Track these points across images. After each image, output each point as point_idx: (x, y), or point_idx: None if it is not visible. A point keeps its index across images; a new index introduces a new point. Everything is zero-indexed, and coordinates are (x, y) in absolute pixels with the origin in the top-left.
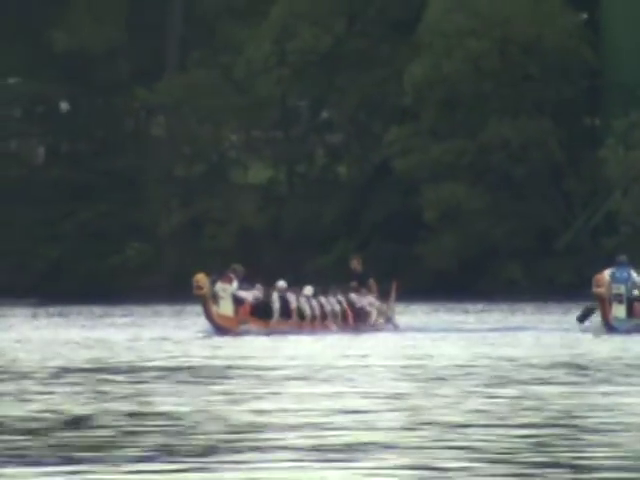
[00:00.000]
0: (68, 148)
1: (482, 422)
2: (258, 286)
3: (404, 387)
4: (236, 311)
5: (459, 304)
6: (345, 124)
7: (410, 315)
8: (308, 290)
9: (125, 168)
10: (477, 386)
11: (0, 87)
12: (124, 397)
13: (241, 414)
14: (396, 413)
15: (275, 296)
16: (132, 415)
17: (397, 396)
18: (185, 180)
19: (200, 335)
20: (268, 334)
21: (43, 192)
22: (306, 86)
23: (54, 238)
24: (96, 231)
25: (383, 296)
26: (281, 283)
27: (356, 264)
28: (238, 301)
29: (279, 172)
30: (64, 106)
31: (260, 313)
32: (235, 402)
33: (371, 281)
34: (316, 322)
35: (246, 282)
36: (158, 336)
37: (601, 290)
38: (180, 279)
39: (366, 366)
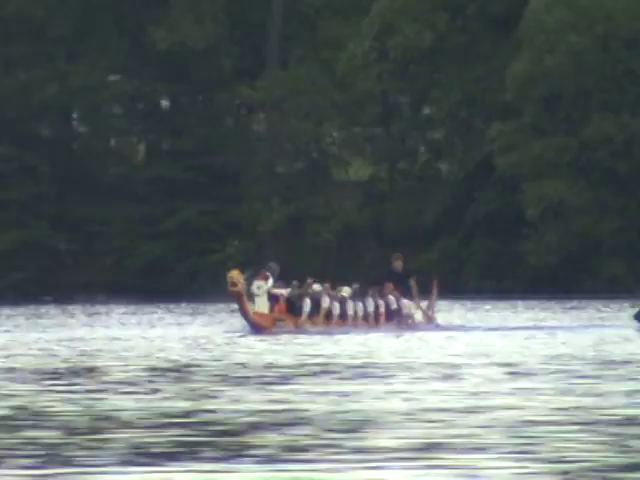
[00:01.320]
0: (169, 145)
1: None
2: (294, 284)
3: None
4: (271, 308)
5: (559, 302)
6: (446, 120)
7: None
8: (345, 291)
9: (226, 165)
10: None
11: (101, 85)
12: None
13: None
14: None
15: (307, 299)
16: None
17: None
18: (286, 177)
19: (237, 334)
20: (299, 332)
21: (143, 190)
22: (407, 82)
23: (155, 236)
24: (197, 229)
25: (424, 295)
26: (316, 286)
27: (398, 264)
28: (274, 298)
29: (380, 169)
30: (165, 103)
31: (293, 310)
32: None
33: (412, 281)
34: (346, 321)
35: (280, 281)
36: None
37: None
38: (281, 277)
39: (464, 364)
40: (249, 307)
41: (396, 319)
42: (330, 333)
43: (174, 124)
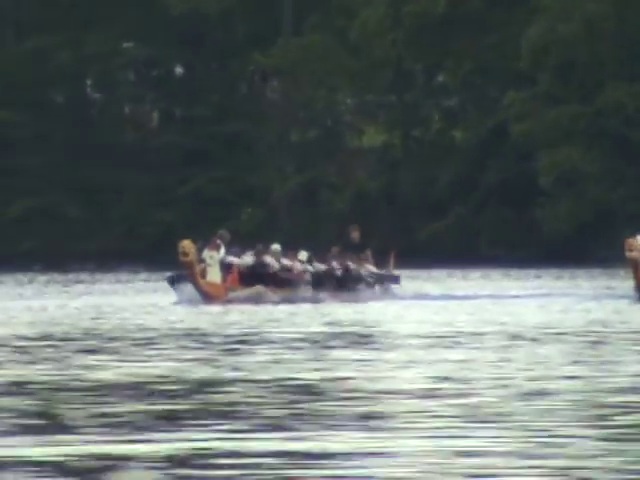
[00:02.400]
0: (182, 112)
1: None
2: (249, 252)
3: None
4: (224, 278)
5: (572, 270)
6: (460, 88)
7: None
8: (302, 255)
9: (239, 133)
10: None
11: (115, 51)
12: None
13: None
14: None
15: (269, 259)
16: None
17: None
18: (300, 145)
19: (186, 304)
20: (257, 301)
21: (157, 157)
22: (421, 49)
23: (168, 203)
24: (210, 196)
25: (381, 265)
26: (275, 247)
27: (355, 234)
28: (226, 268)
29: (394, 136)
30: (178, 70)
31: (248, 280)
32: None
33: (368, 252)
34: (306, 287)
35: (235, 247)
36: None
37: (634, 254)
38: (295, 245)
39: (469, 332)
40: (200, 277)
41: (357, 285)
42: (288, 301)
43: (188, 91)
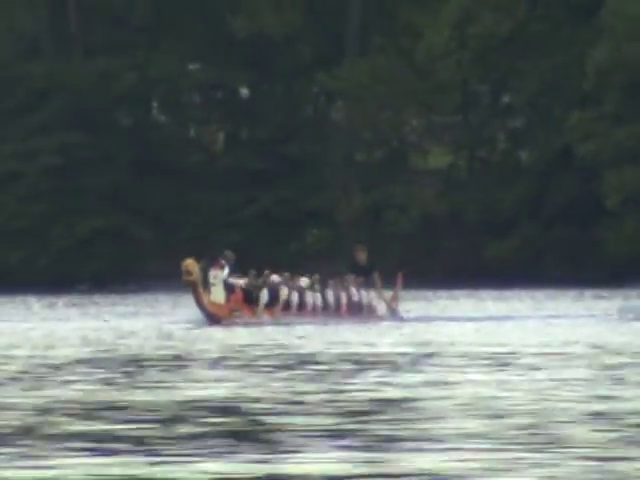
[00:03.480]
0: (248, 134)
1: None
2: (252, 273)
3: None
4: (228, 298)
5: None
6: (526, 108)
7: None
8: (304, 282)
9: (305, 154)
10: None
11: (180, 73)
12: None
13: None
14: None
15: (265, 290)
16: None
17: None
18: (365, 165)
19: (190, 325)
20: (259, 323)
21: (223, 178)
22: (486, 70)
23: (233, 225)
24: (275, 217)
25: (389, 287)
26: (274, 277)
27: (361, 255)
28: (229, 288)
29: (459, 157)
30: (244, 92)
31: (250, 300)
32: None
33: (376, 274)
34: (305, 312)
35: (237, 270)
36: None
37: None
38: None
39: (538, 353)
40: (204, 297)
41: (358, 311)
42: (288, 324)
43: (253, 112)
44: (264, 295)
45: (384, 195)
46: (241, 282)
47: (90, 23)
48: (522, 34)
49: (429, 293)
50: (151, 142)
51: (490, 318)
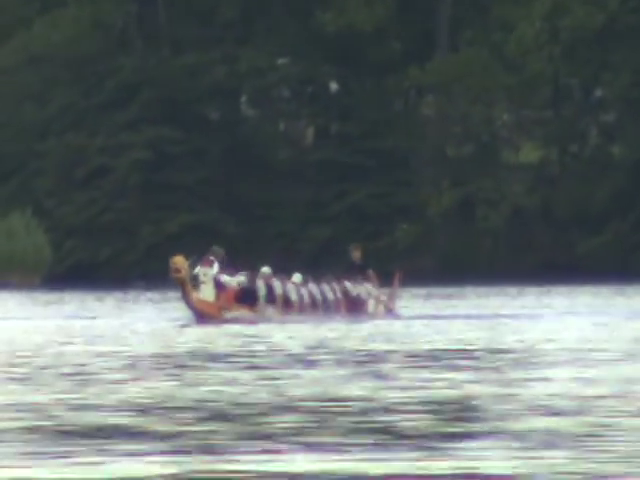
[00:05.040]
0: (337, 129)
1: None
2: (242, 272)
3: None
4: (218, 296)
5: None
6: (618, 102)
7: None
8: (296, 277)
9: (395, 148)
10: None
11: (270, 68)
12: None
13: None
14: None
15: (260, 282)
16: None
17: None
18: (455, 160)
19: (178, 324)
20: (255, 321)
21: (312, 173)
22: (578, 64)
23: (323, 219)
24: (365, 212)
25: (385, 286)
26: (265, 269)
27: (356, 254)
28: (220, 286)
29: (550, 152)
30: (333, 86)
31: (246, 299)
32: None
33: (370, 272)
34: (304, 309)
35: (228, 266)
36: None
37: None
38: (450, 261)
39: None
40: (193, 295)
41: (356, 306)
42: (283, 322)
43: (343, 107)
44: (261, 288)
45: (474, 190)
46: (233, 282)
47: (179, 17)
48: (614, 26)
49: (513, 290)
50: (240, 137)
51: (498, 316)
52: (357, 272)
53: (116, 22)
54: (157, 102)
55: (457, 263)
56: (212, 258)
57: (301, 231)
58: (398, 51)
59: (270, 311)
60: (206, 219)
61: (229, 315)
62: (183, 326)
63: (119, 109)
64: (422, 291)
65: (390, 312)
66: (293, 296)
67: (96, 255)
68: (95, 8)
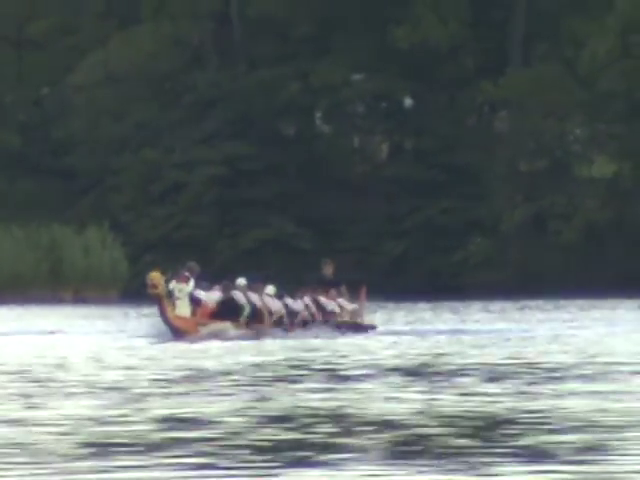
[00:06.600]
0: (412, 144)
1: None
2: (217, 287)
3: None
4: (194, 312)
5: None
6: None
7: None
8: (270, 290)
9: (468, 164)
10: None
11: (344, 83)
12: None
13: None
14: None
15: (239, 294)
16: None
17: None
18: (528, 175)
19: (153, 341)
20: (239, 336)
21: (387, 188)
22: None
23: (397, 234)
24: (439, 227)
25: (353, 301)
26: (240, 280)
27: (328, 269)
28: (196, 302)
29: (623, 166)
30: (408, 102)
31: (226, 312)
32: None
33: (343, 288)
34: (284, 322)
35: (203, 281)
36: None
37: None
38: (524, 275)
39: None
40: (169, 310)
41: (331, 320)
42: (264, 335)
43: (417, 122)
44: (241, 299)
45: (547, 204)
46: (209, 298)
47: (254, 33)
48: None
49: (584, 303)
50: (315, 152)
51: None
52: (329, 287)
53: (192, 39)
54: (232, 118)
55: (530, 277)
56: (187, 274)
57: (375, 246)
58: (471, 66)
59: (252, 323)
60: (281, 234)
61: (205, 331)
62: (159, 342)
63: (195, 125)
64: (496, 306)
65: (361, 326)
66: (271, 308)
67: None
68: (171, 25)
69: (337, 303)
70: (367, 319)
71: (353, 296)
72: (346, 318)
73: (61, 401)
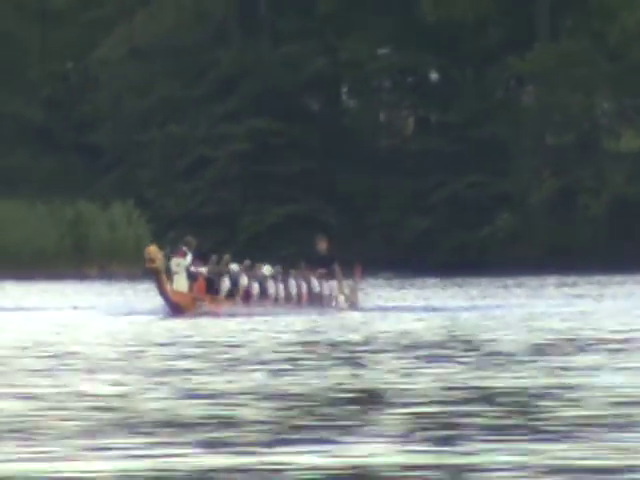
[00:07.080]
0: (438, 118)
1: None
2: (213, 259)
3: None
4: (191, 287)
5: None
6: None
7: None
8: (266, 270)
9: (495, 138)
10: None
11: (370, 58)
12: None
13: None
14: None
15: (226, 279)
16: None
17: None
18: (556, 149)
19: (154, 317)
20: (229, 314)
21: (413, 163)
22: None
23: (423, 209)
24: (466, 202)
25: (346, 279)
26: (233, 266)
27: (322, 246)
28: (193, 276)
29: None
30: (434, 76)
31: (211, 289)
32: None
33: (336, 265)
34: (266, 301)
35: (199, 257)
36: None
37: None
38: (551, 250)
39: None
40: (168, 285)
41: (318, 302)
42: (250, 314)
43: (443, 97)
44: (225, 283)
45: (575, 179)
46: (203, 270)
47: (279, 8)
48: None
49: (616, 278)
50: (340, 127)
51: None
52: (323, 264)
53: (217, 14)
54: (257, 93)
55: (558, 252)
56: (185, 248)
57: (401, 221)
58: (498, 40)
59: (230, 303)
60: (306, 209)
61: (204, 307)
62: (159, 318)
63: (219, 100)
64: (525, 281)
65: (353, 305)
66: (256, 290)
67: (197, 246)
68: (196, 0)
69: (329, 286)
70: (359, 298)
71: (347, 275)
72: (341, 300)
73: (92, 376)
